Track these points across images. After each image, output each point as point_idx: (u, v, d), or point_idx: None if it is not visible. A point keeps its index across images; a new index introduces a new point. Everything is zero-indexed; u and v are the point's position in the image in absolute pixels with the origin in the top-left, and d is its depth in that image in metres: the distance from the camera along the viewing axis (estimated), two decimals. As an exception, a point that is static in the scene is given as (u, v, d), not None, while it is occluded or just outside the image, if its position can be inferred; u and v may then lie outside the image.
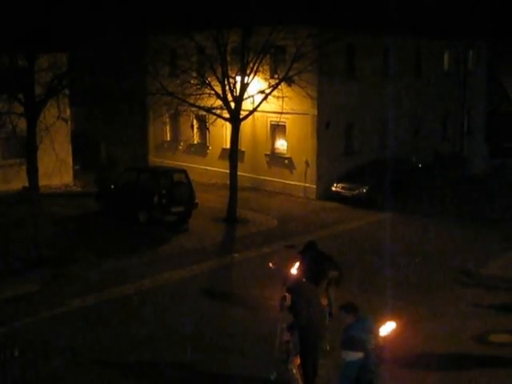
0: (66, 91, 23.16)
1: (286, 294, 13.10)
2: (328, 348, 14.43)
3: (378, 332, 10.77)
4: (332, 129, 33.24)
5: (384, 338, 10.91)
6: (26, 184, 22.36)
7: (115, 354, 14.95)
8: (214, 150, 37.57)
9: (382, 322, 11.11)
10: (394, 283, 19.63)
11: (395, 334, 11.00)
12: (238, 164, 28.84)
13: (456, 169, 38.64)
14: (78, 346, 15.33)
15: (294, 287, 13.11)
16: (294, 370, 12.79)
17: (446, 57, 41.03)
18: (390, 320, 11.09)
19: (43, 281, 19.72)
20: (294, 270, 14.60)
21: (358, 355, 10.25)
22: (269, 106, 30.20)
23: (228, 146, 31.43)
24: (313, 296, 13.25)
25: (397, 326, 11.05)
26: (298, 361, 12.84)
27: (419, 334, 16.00)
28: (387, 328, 11.00)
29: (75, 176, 35.35)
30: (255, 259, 22.82)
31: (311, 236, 24.21)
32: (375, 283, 19.50)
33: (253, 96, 28.77)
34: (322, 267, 16.05)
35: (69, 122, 30.63)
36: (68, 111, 27.53)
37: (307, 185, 33.29)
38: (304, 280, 13.88)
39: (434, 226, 27.63)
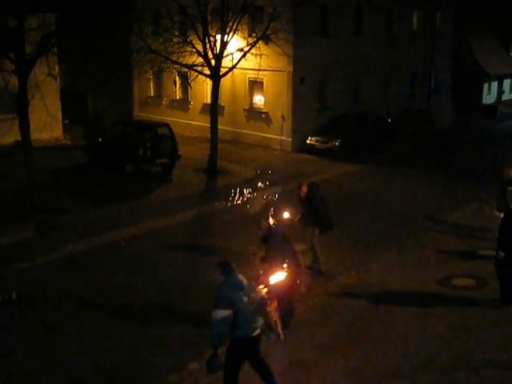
0: (55, 49, 23.04)
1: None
2: (303, 290, 14.65)
3: (256, 287, 10.59)
4: (307, 85, 33.37)
5: (274, 286, 11.16)
6: (19, 138, 22.37)
7: (104, 297, 15.14)
8: (195, 105, 37.62)
9: (273, 271, 11.59)
10: (363, 231, 20.01)
11: (287, 283, 11.52)
12: (218, 118, 28.93)
13: (423, 124, 38.98)
14: (70, 288, 15.53)
15: (268, 234, 13.30)
16: (272, 313, 12.88)
17: (415, 18, 41.06)
18: (280, 270, 11.59)
19: (37, 228, 19.88)
20: (286, 214, 14.78)
21: (226, 313, 9.92)
22: (247, 64, 30.21)
23: (209, 101, 31.50)
24: (286, 241, 13.40)
25: (286, 276, 11.59)
26: (275, 304, 12.92)
27: (386, 278, 16.39)
28: (276, 277, 11.29)
29: (65, 130, 35.29)
30: (235, 207, 23.11)
31: (288, 185, 24.64)
32: (346, 231, 19.63)
33: (232, 54, 28.72)
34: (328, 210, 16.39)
35: (58, 79, 30.46)
36: (57, 68, 27.38)
37: (283, 138, 33.52)
38: (276, 225, 13.83)
39: (402, 178, 28.01)
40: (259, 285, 10.78)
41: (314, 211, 16.03)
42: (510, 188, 17.75)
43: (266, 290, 10.80)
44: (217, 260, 10.90)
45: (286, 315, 13.21)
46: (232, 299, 10.04)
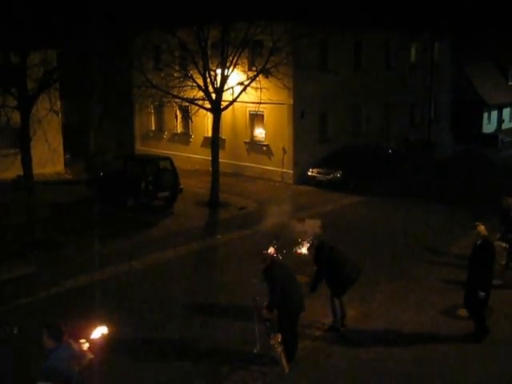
0: (57, 85, 23.23)
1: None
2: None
3: (84, 353, 9.36)
4: (307, 117, 33.52)
5: (95, 342, 9.78)
6: (21, 173, 22.46)
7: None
8: (196, 138, 37.78)
9: (91, 327, 10.07)
10: (365, 262, 19.95)
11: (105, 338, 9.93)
12: (220, 151, 29.03)
13: (424, 154, 39.10)
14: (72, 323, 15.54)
15: (270, 266, 13.19)
16: (277, 346, 12.89)
17: (413, 49, 41.38)
18: (100, 324, 10.11)
19: (39, 263, 19.85)
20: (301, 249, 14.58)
21: None
22: (247, 97, 30.36)
23: (210, 134, 31.62)
24: (289, 273, 13.36)
25: (108, 331, 10.05)
26: (279, 337, 12.93)
27: (389, 308, 16.40)
28: (97, 333, 9.97)
29: (66, 165, 35.45)
30: (237, 240, 23.12)
31: (290, 217, 24.62)
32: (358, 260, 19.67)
33: (232, 87, 28.91)
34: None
35: (60, 114, 30.61)
36: (59, 104, 27.51)
37: (284, 170, 33.58)
38: (276, 261, 13.60)
39: (404, 208, 28.00)
40: (80, 339, 9.46)
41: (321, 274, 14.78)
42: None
43: (87, 344, 9.49)
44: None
45: (290, 347, 13.15)
46: (64, 373, 8.73)
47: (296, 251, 14.97)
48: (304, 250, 14.81)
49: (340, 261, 14.66)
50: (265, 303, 13.11)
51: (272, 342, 12.98)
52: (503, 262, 18.28)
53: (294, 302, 12.98)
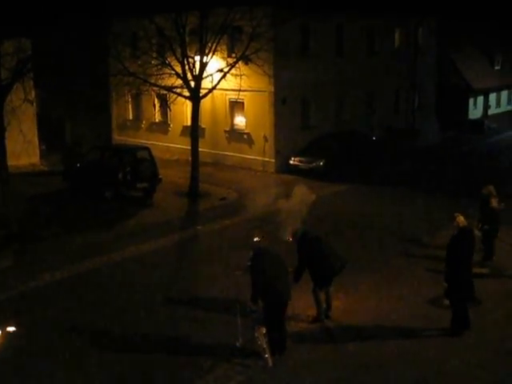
0: (31, 75, 23.18)
1: (249, 263, 13.33)
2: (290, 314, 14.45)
3: None
4: (289, 105, 33.63)
5: None
6: (-5, 164, 22.43)
7: (85, 324, 15.21)
8: (175, 127, 37.79)
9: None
10: (350, 252, 20.09)
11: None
12: (199, 140, 29.10)
13: (408, 142, 39.33)
14: (49, 317, 15.62)
15: (256, 254, 13.20)
16: (261, 339, 12.96)
17: (397, 34, 41.50)
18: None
19: (15, 256, 19.90)
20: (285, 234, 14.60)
21: None
22: (227, 84, 30.39)
23: (189, 123, 31.67)
24: (277, 261, 13.35)
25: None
26: (264, 330, 12.98)
27: (377, 298, 16.63)
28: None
29: (42, 156, 35.34)
30: (218, 231, 23.27)
31: (271, 207, 24.76)
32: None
33: (212, 75, 28.92)
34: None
35: (34, 104, 30.57)
36: (33, 93, 27.46)
37: (266, 159, 33.70)
38: (265, 248, 13.54)
39: (388, 197, 28.21)
40: None
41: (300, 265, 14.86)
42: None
43: None
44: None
45: (276, 340, 13.24)
46: None
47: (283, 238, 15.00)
48: (287, 236, 14.86)
49: (325, 252, 14.79)
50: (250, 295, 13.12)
51: (256, 335, 13.04)
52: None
53: (279, 292, 12.98)
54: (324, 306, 15.20)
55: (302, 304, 15.37)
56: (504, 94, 55.60)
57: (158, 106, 37.32)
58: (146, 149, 28.52)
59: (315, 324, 15.01)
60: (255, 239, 13.60)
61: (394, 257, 20.02)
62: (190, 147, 28.86)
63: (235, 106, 34.60)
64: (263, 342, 12.99)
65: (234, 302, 14.52)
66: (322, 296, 15.14)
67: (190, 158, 28.91)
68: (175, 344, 14.19)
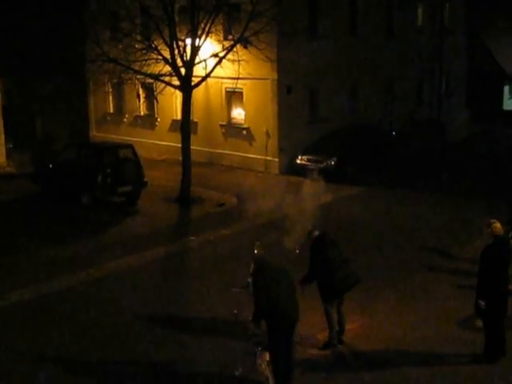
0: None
1: (250, 280, 13.25)
2: (299, 339, 14.24)
3: None
4: (295, 94, 33.62)
5: None
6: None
7: (56, 351, 15.11)
8: (163, 121, 37.80)
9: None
10: (367, 266, 20.04)
11: None
12: (191, 137, 29.06)
13: (434, 136, 39.28)
14: (16, 343, 15.54)
15: (257, 270, 13.09)
16: (263, 366, 12.84)
17: (420, 11, 41.48)
18: None
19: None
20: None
21: None
22: (223, 72, 30.42)
23: (179, 117, 31.69)
24: (282, 276, 13.19)
25: None
26: (268, 356, 12.88)
27: (399, 319, 16.58)
28: None
29: (8, 155, 35.30)
30: (214, 242, 23.22)
31: (275, 214, 24.73)
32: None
33: (205, 60, 28.94)
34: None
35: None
36: (-2, 84, 27.54)
37: (269, 158, 33.70)
38: (268, 262, 13.38)
39: (410, 201, 28.19)
40: None
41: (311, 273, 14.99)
42: None
43: None
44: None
45: (282, 369, 13.10)
46: None
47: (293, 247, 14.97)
48: (293, 244, 14.85)
49: (340, 260, 14.83)
50: (250, 316, 13.02)
51: (259, 362, 12.92)
52: None
53: (285, 312, 12.81)
54: (337, 328, 15.17)
55: (311, 326, 15.32)
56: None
57: (142, 97, 37.40)
58: (130, 147, 28.51)
59: (326, 350, 14.96)
60: (257, 251, 13.56)
61: (417, 271, 19.96)
62: (180, 145, 28.86)
63: (233, 96, 34.58)
64: (267, 371, 12.89)
65: (232, 324, 14.45)
66: (335, 316, 15.11)
67: (180, 158, 28.89)
68: (163, 374, 14.09)
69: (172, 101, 35.57)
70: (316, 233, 14.91)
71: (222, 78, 32.53)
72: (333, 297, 14.93)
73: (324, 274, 14.64)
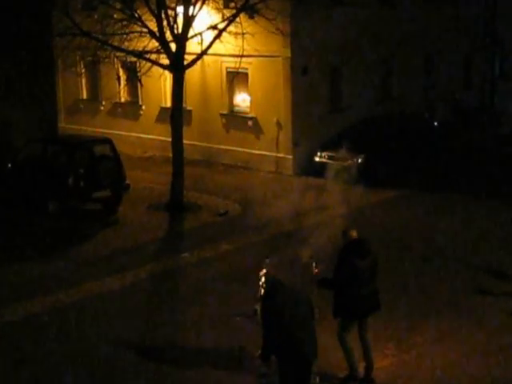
0: None
1: (257, 306, 13.19)
2: (318, 381, 14.28)
3: None
4: (312, 76, 33.62)
5: None
6: None
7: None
8: (149, 110, 37.84)
9: None
10: (401, 288, 20.18)
11: None
12: (184, 129, 29.09)
13: (485, 128, 39.23)
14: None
15: (269, 293, 12.96)
16: None
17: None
18: None
19: None
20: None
21: None
22: (224, 48, 30.44)
23: (168, 104, 31.74)
24: (298, 302, 13.01)
25: None
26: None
27: (442, 355, 16.46)
28: None
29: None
30: (212, 260, 23.23)
31: (288, 226, 24.73)
32: (385, 289, 19.74)
33: (201, 34, 28.98)
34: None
35: None
36: None
37: (280, 155, 33.71)
38: (282, 284, 13.16)
39: (456, 209, 28.05)
40: None
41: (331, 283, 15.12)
42: None
43: None
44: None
45: None
46: None
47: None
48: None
49: (366, 273, 14.83)
50: (259, 351, 12.96)
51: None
52: None
53: (301, 346, 12.69)
54: (358, 361, 15.10)
55: (332, 364, 15.28)
56: None
57: (123, 79, 37.37)
58: (108, 142, 28.50)
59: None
60: (266, 271, 13.55)
61: (464, 294, 19.93)
62: (170, 139, 28.87)
63: (235, 78, 34.58)
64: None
65: (233, 360, 14.42)
66: (352, 344, 15.01)
67: (170, 155, 28.90)
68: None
69: (160, 84, 35.59)
70: (354, 234, 14.98)
71: (222, 55, 32.57)
72: (351, 317, 14.95)
73: (347, 285, 14.68)
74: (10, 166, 28.71)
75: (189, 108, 34.72)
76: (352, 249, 14.84)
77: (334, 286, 14.83)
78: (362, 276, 14.72)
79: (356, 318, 15.04)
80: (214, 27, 28.95)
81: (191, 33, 28.03)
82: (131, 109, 38.65)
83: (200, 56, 29.00)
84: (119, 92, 37.94)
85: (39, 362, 16.55)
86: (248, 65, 33.10)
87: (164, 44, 27.67)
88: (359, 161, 32.22)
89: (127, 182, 27.81)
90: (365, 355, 15.15)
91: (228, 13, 29.78)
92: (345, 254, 14.83)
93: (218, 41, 28.54)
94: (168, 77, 31.43)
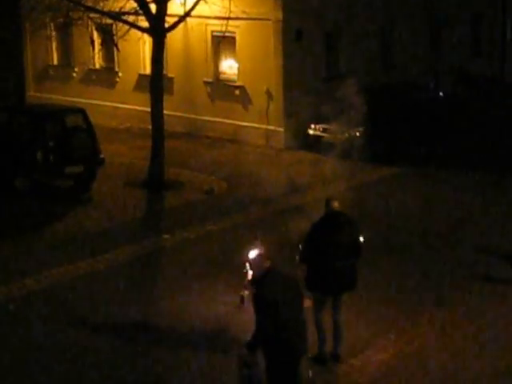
0: None
1: (245, 293, 13.15)
2: (311, 375, 14.39)
3: None
4: (306, 41, 33.59)
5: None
6: None
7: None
8: (126, 77, 37.76)
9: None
10: (407, 271, 20.29)
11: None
12: (165, 98, 29.05)
13: (494, 98, 39.27)
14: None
15: (260, 279, 12.92)
16: None
17: None
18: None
19: None
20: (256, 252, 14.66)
21: None
22: (209, 9, 30.40)
23: (148, 71, 31.65)
24: (291, 292, 13.02)
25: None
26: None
27: (446, 347, 16.49)
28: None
29: None
30: (196, 241, 23.26)
31: (279, 205, 24.74)
32: (383, 276, 19.82)
33: (184, -7, 29.00)
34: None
35: None
36: None
37: (270, 127, 33.71)
38: (275, 268, 13.18)
39: (462, 187, 28.20)
40: None
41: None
42: None
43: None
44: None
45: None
46: None
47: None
48: None
49: (342, 248, 15.13)
50: (246, 339, 12.93)
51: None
52: None
53: (293, 340, 12.76)
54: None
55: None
56: None
57: (98, 43, 37.30)
58: (81, 112, 28.40)
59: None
60: (253, 254, 13.51)
61: (471, 281, 19.98)
62: (149, 109, 28.83)
63: (222, 43, 34.52)
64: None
65: (217, 345, 14.45)
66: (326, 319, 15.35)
67: (149, 127, 28.86)
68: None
69: (138, 49, 35.53)
70: (336, 204, 15.39)
71: (207, 17, 32.53)
72: (323, 292, 15.32)
73: (318, 257, 15.09)
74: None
75: (170, 75, 34.70)
76: (326, 220, 15.33)
77: (303, 257, 15.26)
78: (336, 250, 15.04)
79: (329, 293, 15.37)
80: (198, -14, 28.92)
81: (173, -8, 28.02)
82: (106, 76, 38.56)
83: (183, 18, 28.95)
84: (93, 57, 37.96)
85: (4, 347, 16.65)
86: (235, 28, 33.06)
87: (143, 4, 27.60)
88: (357, 134, 32.24)
89: (102, 156, 27.76)
90: (334, 336, 15.48)
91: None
92: (319, 225, 15.31)
93: (202, 1, 28.49)
94: (147, 41, 31.40)
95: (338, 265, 15.02)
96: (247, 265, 14.17)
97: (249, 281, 13.43)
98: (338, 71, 35.35)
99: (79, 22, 31.30)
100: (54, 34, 39.10)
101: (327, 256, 15.00)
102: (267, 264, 13.01)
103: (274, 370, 12.83)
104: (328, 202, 15.42)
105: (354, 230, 15.51)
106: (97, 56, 37.98)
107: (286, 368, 12.88)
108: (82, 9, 28.68)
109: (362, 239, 15.62)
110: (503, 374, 15.29)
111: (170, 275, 21.14)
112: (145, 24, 28.25)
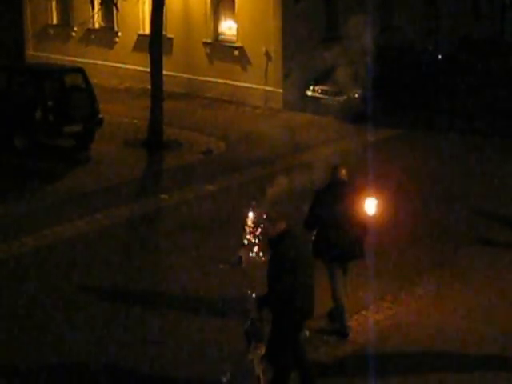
0: None
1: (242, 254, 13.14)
2: (308, 334, 14.18)
3: None
4: (305, 1, 33.48)
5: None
6: None
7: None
8: (125, 37, 37.67)
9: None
10: (404, 234, 20.29)
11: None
12: (164, 58, 29.03)
13: (495, 60, 39.19)
14: None
15: (280, 238, 12.86)
16: (256, 364, 12.69)
17: None
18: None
19: None
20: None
21: None
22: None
23: (147, 30, 31.59)
24: (306, 255, 13.19)
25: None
26: (263, 349, 13.00)
27: (442, 309, 16.59)
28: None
29: None
30: (194, 202, 23.29)
31: (276, 165, 24.76)
32: (382, 238, 19.80)
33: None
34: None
35: None
36: None
37: (269, 88, 33.68)
38: (291, 229, 13.25)
39: (461, 149, 28.22)
40: None
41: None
42: None
43: None
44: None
45: (284, 371, 13.14)
46: None
47: None
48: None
49: (345, 218, 14.99)
50: (253, 294, 12.98)
51: (250, 357, 12.91)
52: None
53: (304, 302, 12.88)
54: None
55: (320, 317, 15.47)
56: None
57: (98, 3, 37.16)
58: (80, 71, 28.37)
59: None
60: (251, 214, 13.60)
61: (469, 244, 20.06)
62: (148, 69, 28.78)
63: (221, 3, 34.46)
64: (259, 370, 12.84)
65: (215, 310, 14.48)
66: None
67: (149, 87, 28.84)
68: (127, 375, 14.16)
69: (138, 9, 35.45)
70: (344, 172, 15.17)
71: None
72: (330, 259, 15.22)
73: (325, 227, 15.03)
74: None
75: (169, 35, 34.60)
76: (332, 189, 15.12)
77: (309, 224, 15.12)
78: (342, 219, 14.90)
79: (335, 261, 15.26)
80: None
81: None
82: (106, 35, 38.47)
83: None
84: (93, 17, 37.75)
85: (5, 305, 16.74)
86: (235, -12, 33.00)
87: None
88: (356, 95, 32.22)
89: (101, 115, 27.72)
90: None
91: None
92: (323, 194, 15.15)
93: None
94: (147, 1, 31.26)
95: (343, 235, 14.93)
96: (246, 224, 14.21)
97: (246, 241, 13.43)
98: (337, 32, 35.22)
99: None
100: (53, -7, 39.04)
101: (332, 226, 14.90)
102: (283, 225, 13.06)
103: (278, 329, 12.94)
104: (335, 170, 15.20)
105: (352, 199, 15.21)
106: (96, 15, 37.80)
107: (290, 329, 13.00)
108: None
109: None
110: (498, 336, 15.37)
111: (168, 235, 21.16)
112: (144, -17, 28.23)
